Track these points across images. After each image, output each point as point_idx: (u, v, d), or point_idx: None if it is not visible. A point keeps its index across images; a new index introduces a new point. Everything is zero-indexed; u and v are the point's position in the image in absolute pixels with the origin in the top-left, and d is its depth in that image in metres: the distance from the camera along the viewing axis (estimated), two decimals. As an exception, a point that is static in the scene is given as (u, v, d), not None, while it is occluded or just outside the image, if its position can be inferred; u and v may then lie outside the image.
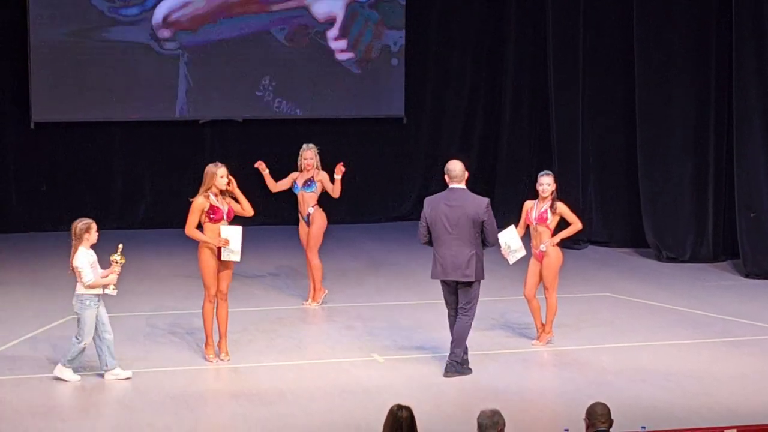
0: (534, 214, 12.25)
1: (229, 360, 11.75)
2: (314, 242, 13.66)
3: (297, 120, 18.56)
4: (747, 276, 15.58)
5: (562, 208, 12.28)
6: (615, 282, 15.27)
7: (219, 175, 11.47)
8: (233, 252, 11.56)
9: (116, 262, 11.13)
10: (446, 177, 11.40)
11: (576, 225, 12.43)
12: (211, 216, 11.51)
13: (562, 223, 12.41)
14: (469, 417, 7.66)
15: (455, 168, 11.34)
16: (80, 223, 11.13)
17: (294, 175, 13.82)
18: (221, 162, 11.70)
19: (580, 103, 17.23)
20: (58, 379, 11.09)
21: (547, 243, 12.22)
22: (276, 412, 10.50)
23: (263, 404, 10.65)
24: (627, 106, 16.92)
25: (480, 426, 7.55)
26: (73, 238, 11.11)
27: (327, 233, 13.64)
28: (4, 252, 16.45)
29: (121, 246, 11.22)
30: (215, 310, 11.71)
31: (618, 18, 16.97)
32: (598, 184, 17.40)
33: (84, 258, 11.01)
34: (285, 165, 18.38)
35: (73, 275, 11.12)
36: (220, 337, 11.80)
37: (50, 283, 14.80)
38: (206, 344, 11.82)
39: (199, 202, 11.50)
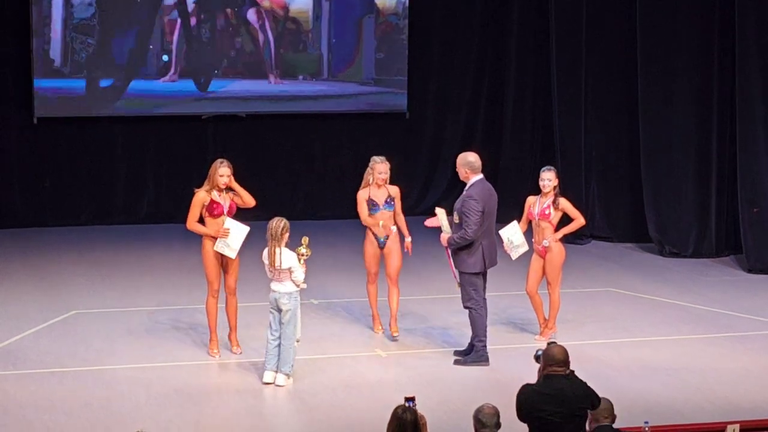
0: (536, 210, 12.24)
1: (241, 352, 11.74)
2: (399, 269, 12.51)
3: (300, 115, 18.54)
4: (750, 271, 15.58)
5: (564, 203, 12.27)
6: (617, 277, 15.27)
7: (219, 173, 11.43)
8: (229, 247, 11.43)
9: (302, 255, 10.94)
10: (466, 170, 11.46)
11: (579, 221, 12.42)
12: (212, 211, 11.50)
13: (565, 219, 12.41)
14: (472, 412, 7.65)
15: (477, 159, 11.55)
16: (281, 224, 10.84)
17: (363, 194, 12.35)
18: (226, 158, 11.68)
19: (583, 98, 17.21)
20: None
21: (549, 239, 12.21)
22: (279, 406, 10.51)
23: (266, 399, 10.66)
24: (630, 101, 16.90)
25: (482, 423, 7.54)
26: (272, 238, 10.81)
27: (331, 228, 13.58)
28: (7, 247, 16.42)
29: (306, 239, 10.98)
30: (225, 305, 11.69)
31: (621, 14, 16.96)
32: (601, 179, 17.38)
33: (293, 258, 10.82)
34: (286, 161, 18.54)
35: (277, 275, 10.85)
36: (231, 330, 11.81)
37: (53, 278, 14.80)
38: (210, 340, 11.83)
39: (200, 197, 11.48)
